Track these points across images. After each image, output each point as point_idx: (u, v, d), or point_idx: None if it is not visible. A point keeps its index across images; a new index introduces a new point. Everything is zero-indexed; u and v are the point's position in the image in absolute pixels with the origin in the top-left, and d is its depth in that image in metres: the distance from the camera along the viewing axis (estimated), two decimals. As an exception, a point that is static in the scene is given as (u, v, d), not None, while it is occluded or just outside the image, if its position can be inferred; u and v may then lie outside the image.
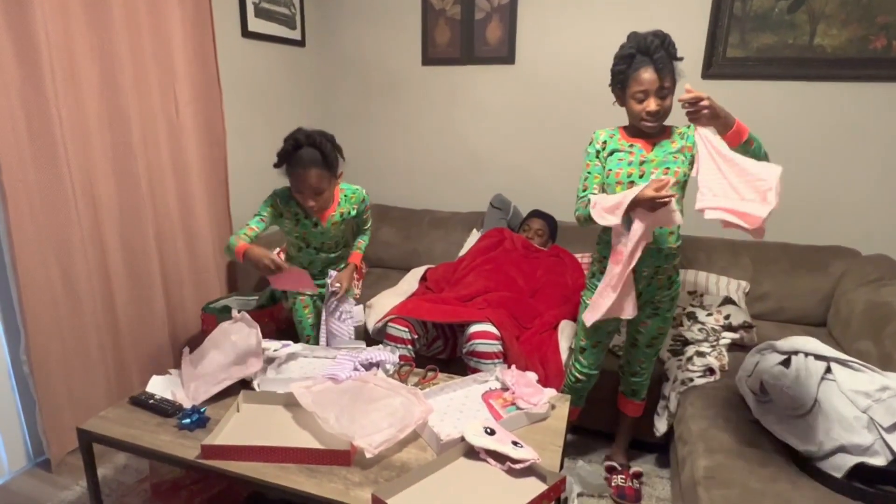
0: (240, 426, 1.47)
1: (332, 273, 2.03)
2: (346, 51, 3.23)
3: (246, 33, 2.71)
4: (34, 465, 2.03)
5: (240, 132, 2.71)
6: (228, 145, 2.61)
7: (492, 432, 1.38)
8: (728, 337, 2.09)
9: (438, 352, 2.19)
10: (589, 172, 1.72)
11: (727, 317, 2.13)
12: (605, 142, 1.71)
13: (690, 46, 2.56)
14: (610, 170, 1.68)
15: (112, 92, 2.03)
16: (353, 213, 2.01)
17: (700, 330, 2.10)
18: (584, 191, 1.71)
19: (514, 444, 1.35)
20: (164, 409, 1.51)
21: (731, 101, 2.56)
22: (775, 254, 2.48)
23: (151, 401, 1.55)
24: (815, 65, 2.41)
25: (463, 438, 1.37)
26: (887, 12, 2.26)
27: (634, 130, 1.69)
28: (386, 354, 1.78)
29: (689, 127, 1.63)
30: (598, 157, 1.72)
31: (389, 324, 2.07)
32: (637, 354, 1.88)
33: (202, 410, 1.49)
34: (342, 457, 1.31)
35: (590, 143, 1.74)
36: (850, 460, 1.36)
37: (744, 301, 2.36)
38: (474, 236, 2.88)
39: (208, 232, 2.54)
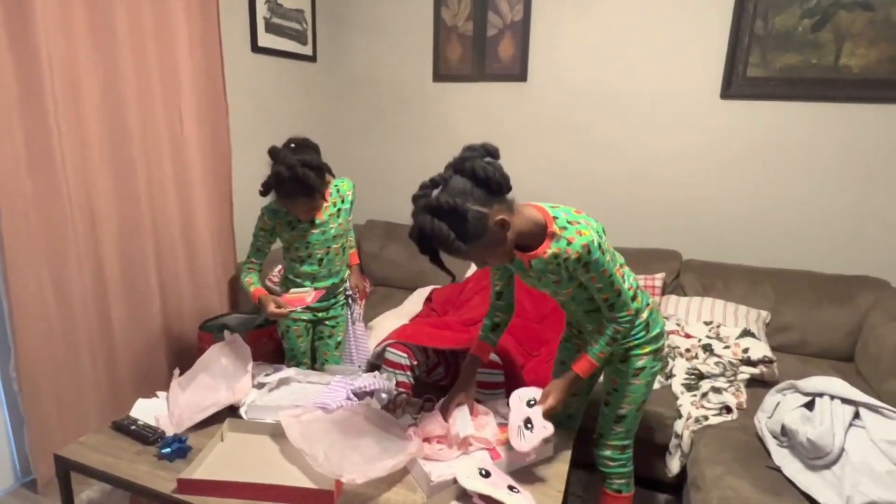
0: (222, 458, 1.39)
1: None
2: (357, 67, 3.20)
3: (256, 48, 2.69)
4: (21, 485, 1.98)
5: (247, 148, 2.67)
6: (234, 161, 2.58)
7: (487, 474, 1.29)
8: (747, 372, 1.97)
9: (439, 379, 2.09)
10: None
11: (746, 350, 2.00)
12: None
13: (708, 65, 2.48)
14: None
15: (114, 106, 2.00)
16: (346, 202, 1.89)
17: (717, 364, 1.97)
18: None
19: (511, 488, 1.26)
20: (145, 437, 1.44)
21: (752, 123, 2.49)
22: (799, 283, 2.35)
23: (133, 426, 1.48)
24: (840, 86, 2.30)
25: (455, 480, 1.27)
26: (919, 32, 2.15)
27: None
28: (382, 383, 1.70)
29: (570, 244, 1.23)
30: None
31: (388, 349, 1.99)
32: (603, 423, 1.54)
33: (184, 439, 1.42)
34: (325, 497, 1.23)
35: None
36: (882, 520, 1.24)
37: (764, 333, 2.23)
38: (482, 257, 2.79)
39: (210, 248, 2.50)
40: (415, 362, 1.97)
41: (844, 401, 1.44)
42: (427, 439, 1.42)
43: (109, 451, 1.40)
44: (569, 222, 1.25)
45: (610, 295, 1.31)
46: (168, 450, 1.38)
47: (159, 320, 2.30)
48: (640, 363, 1.43)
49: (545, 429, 1.32)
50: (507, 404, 1.55)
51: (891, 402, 1.52)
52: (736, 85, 2.45)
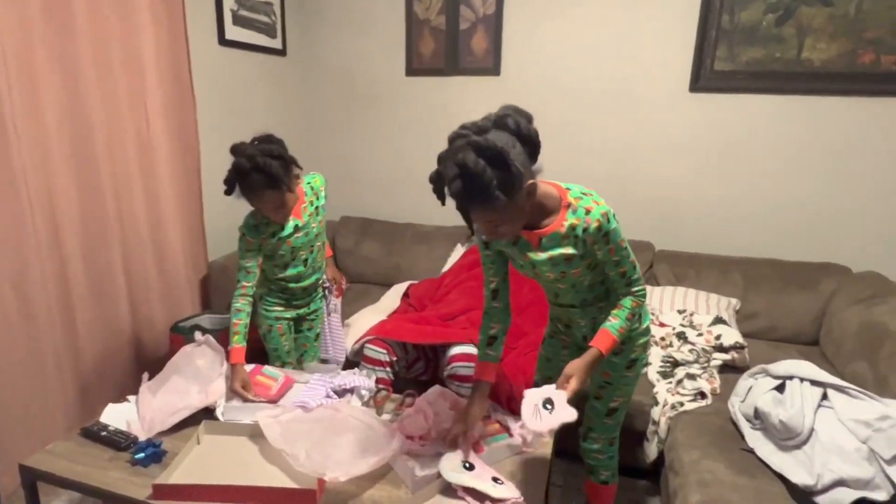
0: (199, 461, 1.36)
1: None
2: (329, 61, 3.15)
3: (223, 41, 2.62)
4: (-17, 498, 1.89)
5: (216, 143, 2.59)
6: (203, 157, 2.51)
7: (471, 467, 1.29)
8: (719, 358, 2.02)
9: (419, 374, 2.09)
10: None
11: (718, 337, 2.06)
12: None
13: (677, 59, 2.52)
14: None
15: (75, 101, 1.92)
16: (321, 198, 1.86)
17: (690, 351, 2.02)
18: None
19: (495, 480, 1.26)
20: (117, 442, 1.40)
21: (720, 116, 2.55)
22: (765, 270, 2.43)
23: (104, 432, 1.43)
24: (803, 79, 2.38)
25: (440, 474, 1.27)
26: (875, 27, 2.23)
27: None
28: (361, 380, 1.68)
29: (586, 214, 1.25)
30: (488, 246, 1.41)
31: (367, 345, 1.98)
32: (593, 417, 1.49)
33: (158, 444, 1.38)
34: (308, 497, 1.21)
35: None
36: (850, 495, 1.29)
37: (734, 320, 2.29)
38: (458, 251, 2.79)
39: (180, 247, 2.43)
40: (394, 358, 1.96)
41: (813, 383, 1.49)
42: (409, 437, 1.41)
43: (79, 459, 1.35)
44: (583, 193, 1.26)
45: (627, 268, 1.29)
46: (142, 455, 1.33)
47: (128, 322, 2.23)
48: (633, 355, 1.40)
49: (569, 413, 1.19)
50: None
51: (854, 382, 1.58)
52: (704, 78, 2.50)
